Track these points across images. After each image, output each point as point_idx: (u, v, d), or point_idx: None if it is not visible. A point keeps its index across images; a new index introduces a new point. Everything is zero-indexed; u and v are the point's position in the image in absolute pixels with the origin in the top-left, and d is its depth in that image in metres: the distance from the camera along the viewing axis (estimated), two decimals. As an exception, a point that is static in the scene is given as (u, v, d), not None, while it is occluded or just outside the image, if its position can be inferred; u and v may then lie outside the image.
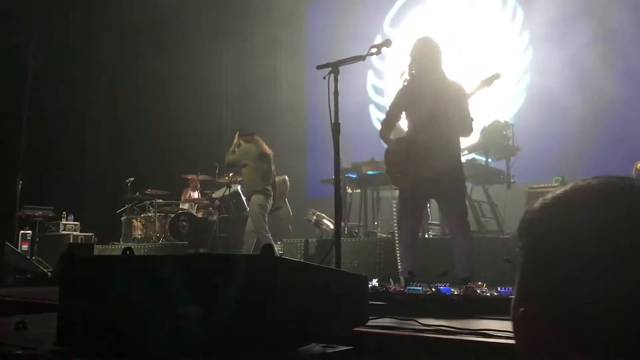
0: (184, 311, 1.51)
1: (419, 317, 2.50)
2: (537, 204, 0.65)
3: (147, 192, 9.01)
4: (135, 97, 10.31)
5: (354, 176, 6.48)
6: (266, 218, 6.44)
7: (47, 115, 9.69)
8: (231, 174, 7.85)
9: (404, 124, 4.28)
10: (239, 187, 7.50)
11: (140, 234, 8.92)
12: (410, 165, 3.94)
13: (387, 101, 9.23)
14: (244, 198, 7.28)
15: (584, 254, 0.58)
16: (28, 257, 7.41)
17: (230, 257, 2.16)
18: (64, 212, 9.24)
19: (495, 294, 3.11)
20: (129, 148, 10.36)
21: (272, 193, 6.54)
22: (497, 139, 5.93)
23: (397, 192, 4.83)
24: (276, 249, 6.56)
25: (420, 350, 2.17)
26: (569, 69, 7.25)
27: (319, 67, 3.60)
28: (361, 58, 3.63)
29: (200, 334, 1.47)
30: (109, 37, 10.92)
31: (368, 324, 2.07)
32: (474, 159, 5.86)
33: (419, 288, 3.21)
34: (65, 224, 9.17)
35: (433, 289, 3.16)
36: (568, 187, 0.65)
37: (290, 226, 8.40)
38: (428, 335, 2.24)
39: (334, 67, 3.55)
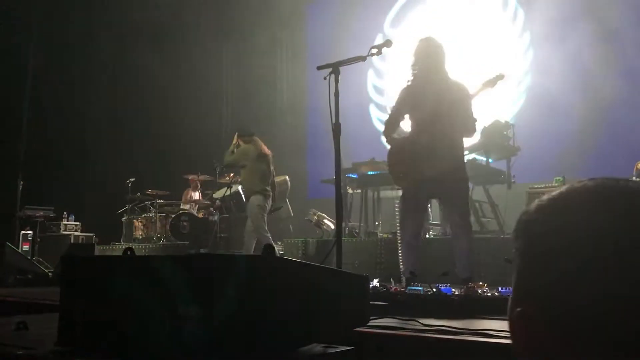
0: (185, 311, 1.51)
1: (419, 317, 2.50)
2: (532, 206, 0.65)
3: (148, 192, 9.02)
4: (135, 97, 10.31)
5: (355, 176, 6.49)
6: (265, 218, 6.44)
7: (47, 115, 9.69)
8: (232, 174, 7.85)
9: (404, 124, 4.28)
10: (239, 188, 7.51)
11: (141, 234, 8.93)
12: (413, 165, 3.94)
13: (387, 101, 9.30)
14: (244, 198, 7.28)
15: (580, 255, 0.58)
16: (29, 257, 7.42)
17: (231, 257, 2.16)
18: (65, 213, 9.25)
19: (496, 294, 3.10)
20: (130, 148, 10.36)
21: (270, 193, 6.54)
22: (498, 139, 5.93)
23: (398, 192, 4.83)
24: (276, 249, 6.55)
25: (421, 351, 2.17)
26: (569, 69, 7.25)
27: (319, 68, 3.60)
28: (362, 59, 3.63)
29: (200, 334, 1.47)
30: (109, 37, 10.91)
31: (369, 324, 2.07)
32: (474, 159, 5.86)
33: (420, 288, 3.21)
34: (66, 225, 9.18)
35: (434, 289, 3.15)
36: (564, 188, 0.65)
37: (291, 226, 8.40)
38: (429, 335, 2.24)
39: (335, 68, 3.55)
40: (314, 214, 7.02)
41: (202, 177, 9.22)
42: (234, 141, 6.72)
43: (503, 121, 6.12)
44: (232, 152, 6.68)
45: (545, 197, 0.65)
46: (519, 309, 0.62)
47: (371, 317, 2.10)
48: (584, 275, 0.57)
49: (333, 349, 1.69)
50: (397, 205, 4.54)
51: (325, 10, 10.74)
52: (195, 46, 10.51)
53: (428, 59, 4.03)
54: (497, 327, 2.19)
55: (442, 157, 3.85)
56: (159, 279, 1.59)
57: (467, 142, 4.31)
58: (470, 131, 4.03)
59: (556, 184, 5.86)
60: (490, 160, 5.88)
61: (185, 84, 10.22)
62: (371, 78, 9.98)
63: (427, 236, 5.67)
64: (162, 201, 9.02)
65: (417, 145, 3.94)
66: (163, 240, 8.60)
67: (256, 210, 6.36)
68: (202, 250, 7.75)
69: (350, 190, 6.77)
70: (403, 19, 9.79)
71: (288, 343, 1.60)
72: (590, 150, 7.04)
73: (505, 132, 6.04)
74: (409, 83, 4.13)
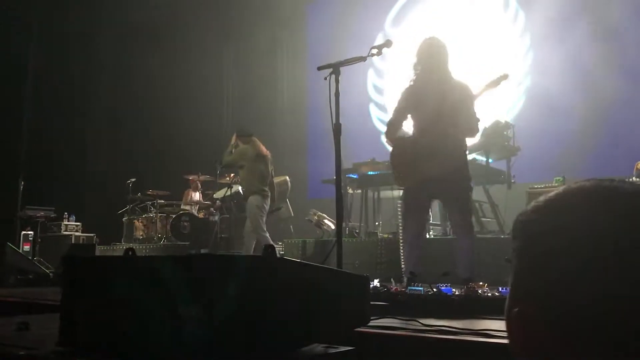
0: (185, 311, 1.51)
1: (420, 317, 2.50)
2: (529, 206, 0.66)
3: (149, 192, 9.03)
4: (135, 97, 10.31)
5: (355, 176, 6.48)
6: (264, 218, 6.44)
7: (47, 115, 9.70)
8: (232, 175, 7.86)
9: (406, 124, 4.27)
10: (240, 188, 7.52)
11: (141, 235, 8.93)
12: (415, 166, 3.93)
13: (387, 100, 9.31)
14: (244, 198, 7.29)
15: (580, 255, 0.58)
16: (30, 257, 7.42)
17: (231, 257, 2.16)
18: (66, 213, 9.24)
19: (497, 294, 3.10)
20: (130, 148, 10.37)
21: (269, 194, 6.54)
22: (498, 139, 5.92)
23: (398, 192, 4.82)
24: (277, 249, 6.56)
25: (421, 351, 2.17)
26: (569, 69, 7.26)
27: (319, 68, 3.60)
28: (362, 59, 3.63)
29: (201, 335, 1.47)
30: (109, 37, 10.92)
31: (369, 324, 2.07)
32: (474, 159, 5.85)
33: (420, 288, 3.21)
34: (66, 225, 9.17)
35: (434, 289, 3.15)
36: (560, 189, 0.65)
37: (291, 226, 8.40)
38: (429, 335, 2.24)
39: (335, 68, 3.55)
40: (315, 214, 7.02)
41: (202, 178, 9.23)
42: (232, 141, 6.73)
43: (503, 121, 6.11)
44: (231, 152, 6.68)
45: (541, 198, 0.65)
46: (516, 309, 0.62)
47: (372, 317, 2.10)
48: (584, 275, 0.57)
49: (333, 349, 1.69)
50: (398, 205, 4.54)
51: (325, 10, 10.74)
52: (195, 46, 10.50)
53: (431, 59, 4.02)
54: (498, 327, 2.19)
55: (444, 157, 3.83)
56: (160, 279, 1.59)
57: (468, 142, 4.31)
58: (474, 131, 4.02)
59: (556, 184, 5.86)
60: (490, 160, 5.88)
61: (185, 84, 10.22)
62: (371, 77, 9.98)
63: (428, 236, 5.67)
64: (162, 201, 9.02)
65: (419, 145, 3.93)
66: (164, 241, 8.60)
67: (254, 210, 6.36)
68: (202, 251, 7.75)
69: (350, 191, 6.77)
70: (403, 18, 9.79)
71: (288, 343, 1.61)
72: (591, 150, 7.04)
73: (505, 132, 6.03)
74: (412, 83, 4.12)
